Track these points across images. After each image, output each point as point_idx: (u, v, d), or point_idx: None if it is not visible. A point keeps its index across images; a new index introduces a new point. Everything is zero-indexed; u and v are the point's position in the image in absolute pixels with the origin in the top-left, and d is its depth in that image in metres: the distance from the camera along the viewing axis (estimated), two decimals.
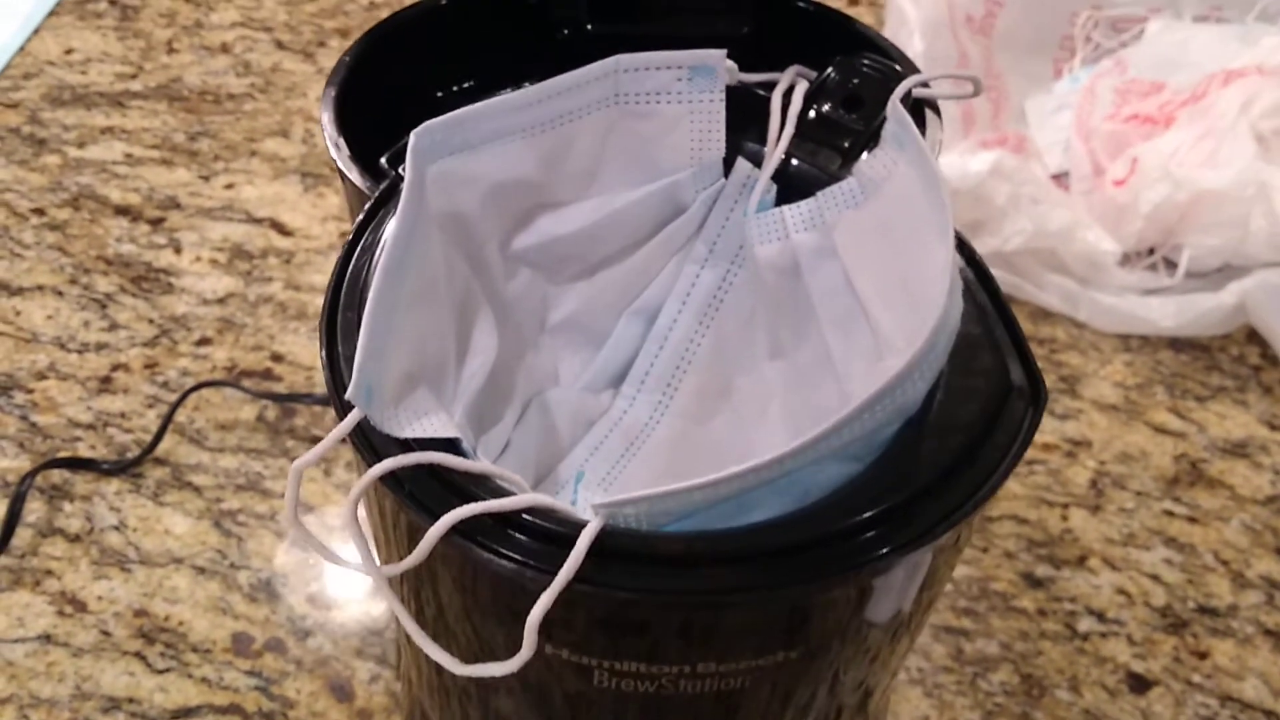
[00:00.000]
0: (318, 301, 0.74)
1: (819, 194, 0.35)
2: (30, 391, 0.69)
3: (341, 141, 0.36)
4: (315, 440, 0.67)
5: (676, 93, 0.35)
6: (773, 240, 0.36)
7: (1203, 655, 0.62)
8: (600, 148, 0.36)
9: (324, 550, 0.30)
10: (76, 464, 0.65)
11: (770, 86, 0.38)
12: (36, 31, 0.89)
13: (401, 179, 0.32)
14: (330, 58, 0.89)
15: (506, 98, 0.33)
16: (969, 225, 0.78)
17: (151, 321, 0.72)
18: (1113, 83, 0.82)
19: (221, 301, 0.74)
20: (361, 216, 0.34)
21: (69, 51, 0.89)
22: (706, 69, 0.35)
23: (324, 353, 0.31)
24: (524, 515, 0.28)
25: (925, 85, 0.37)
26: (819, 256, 0.35)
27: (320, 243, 0.77)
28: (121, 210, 0.78)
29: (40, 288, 0.74)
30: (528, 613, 0.27)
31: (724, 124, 0.35)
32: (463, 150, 0.33)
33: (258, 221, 0.78)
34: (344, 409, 0.28)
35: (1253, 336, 0.76)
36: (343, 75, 0.39)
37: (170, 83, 0.87)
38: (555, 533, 0.28)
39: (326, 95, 0.39)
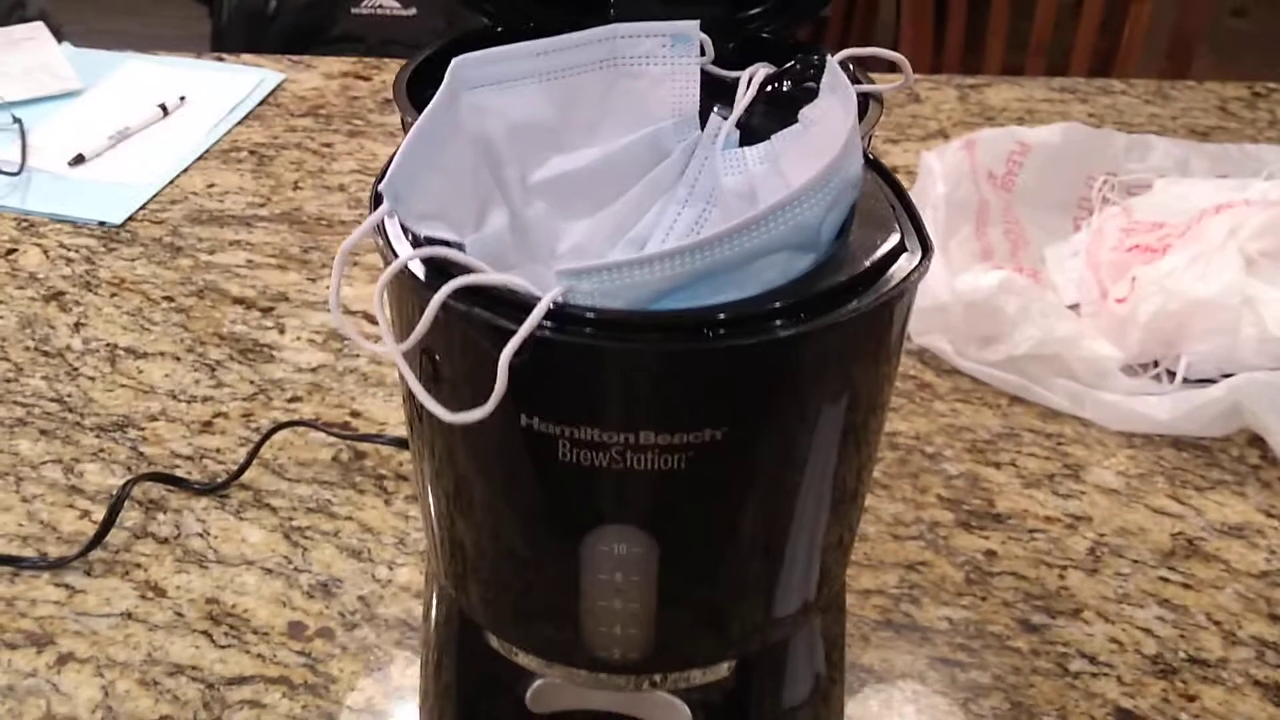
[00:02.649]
0: (396, 374, 0.84)
1: (773, 137, 0.45)
2: (142, 429, 0.79)
3: (409, 106, 0.47)
4: (380, 478, 0.76)
5: (661, 56, 0.45)
6: (736, 173, 0.45)
7: (1191, 698, 0.65)
8: (602, 102, 0.46)
9: (355, 335, 0.38)
10: (171, 480, 0.74)
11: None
12: (185, 171, 1.05)
13: None
14: None
15: (528, 44, 0.44)
16: (983, 338, 0.86)
17: (252, 383, 0.83)
18: (1119, 224, 0.91)
19: (314, 370, 0.84)
20: None
21: (210, 185, 1.04)
22: (685, 37, 0.45)
23: (371, 204, 0.41)
24: (507, 291, 0.36)
25: (860, 71, 0.47)
26: (770, 179, 0.44)
27: None
28: (238, 300, 0.91)
29: (162, 354, 0.85)
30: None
31: (699, 82, 0.45)
32: (493, 84, 0.44)
33: (352, 314, 0.90)
34: (377, 204, 0.37)
35: (1254, 440, 0.81)
36: (415, 64, 0.50)
37: (292, 210, 1.01)
38: (529, 302, 0.36)
39: (400, 76, 0.50)
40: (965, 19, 1.67)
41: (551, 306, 0.35)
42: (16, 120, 1.07)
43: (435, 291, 0.36)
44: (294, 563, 0.70)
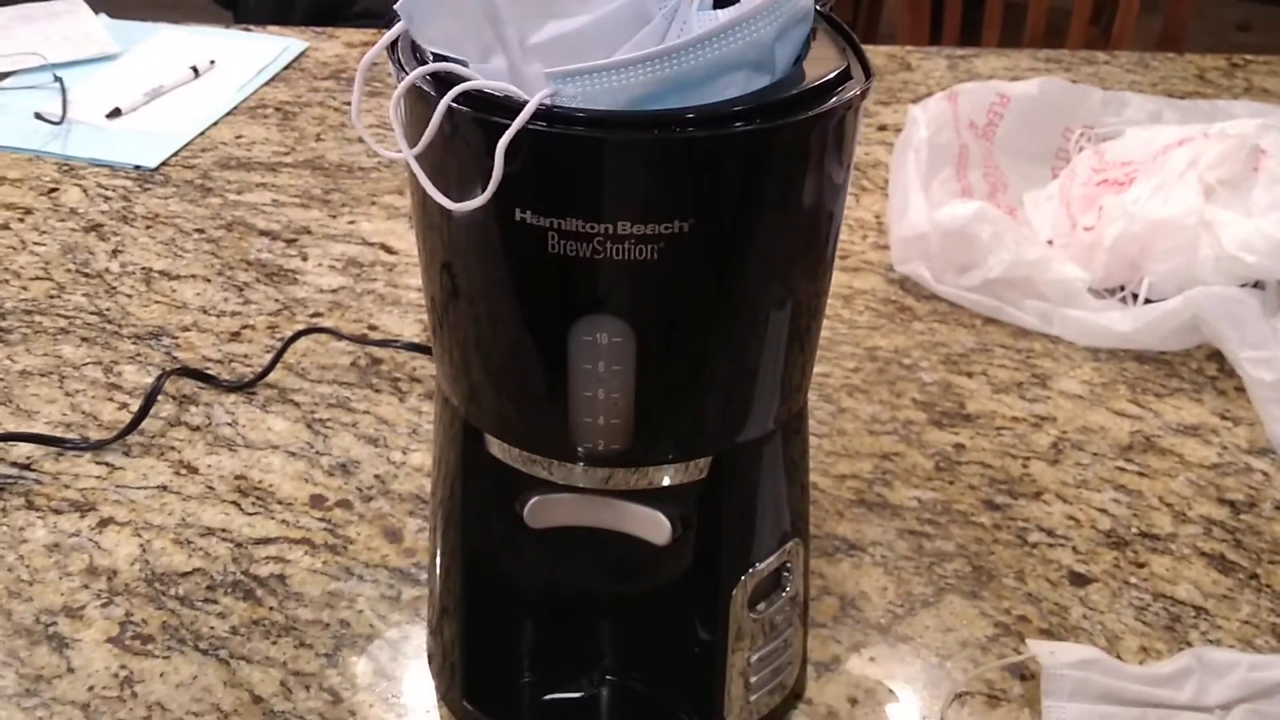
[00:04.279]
0: (412, 294, 0.90)
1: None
2: (175, 338, 0.85)
3: None
4: (396, 380, 0.82)
5: None
6: None
7: (1141, 565, 0.70)
8: None
9: (370, 141, 0.44)
10: (203, 377, 0.80)
11: None
12: (215, 124, 1.12)
13: None
14: None
15: None
16: (960, 266, 0.92)
17: (276, 300, 0.89)
18: (1091, 163, 0.97)
19: (334, 291, 0.91)
20: None
21: (239, 137, 1.11)
22: None
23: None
24: (504, 98, 0.42)
25: None
26: None
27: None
28: (265, 233, 0.97)
29: (193, 276, 0.92)
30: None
31: None
32: None
33: (370, 245, 0.96)
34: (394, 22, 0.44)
35: (1213, 355, 0.86)
36: None
37: (315, 159, 1.08)
38: (522, 104, 0.42)
39: None
40: (960, 14, 1.74)
41: (541, 107, 0.41)
42: (58, 79, 1.14)
43: (442, 98, 0.42)
44: (315, 448, 0.76)
